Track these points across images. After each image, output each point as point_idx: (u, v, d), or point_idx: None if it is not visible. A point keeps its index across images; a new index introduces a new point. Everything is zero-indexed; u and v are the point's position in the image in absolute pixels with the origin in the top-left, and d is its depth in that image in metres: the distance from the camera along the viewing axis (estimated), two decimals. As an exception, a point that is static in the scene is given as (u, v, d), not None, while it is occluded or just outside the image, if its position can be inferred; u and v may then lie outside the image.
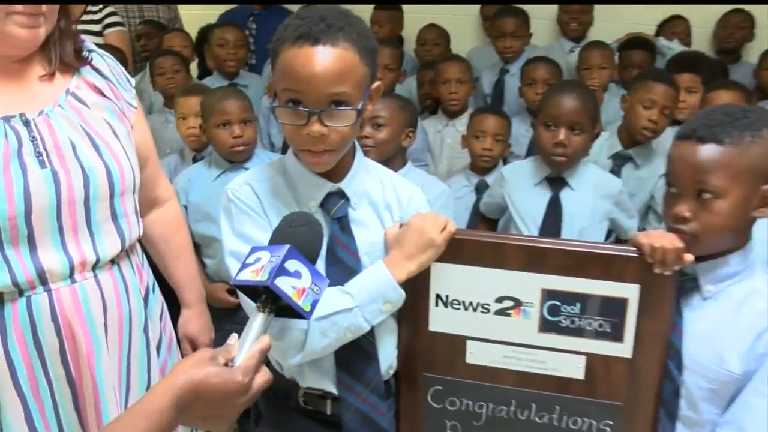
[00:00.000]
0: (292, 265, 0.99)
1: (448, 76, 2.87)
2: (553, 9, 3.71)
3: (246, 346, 0.95)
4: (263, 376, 0.95)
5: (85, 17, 3.32)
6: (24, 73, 1.23)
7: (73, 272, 1.22)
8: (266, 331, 0.98)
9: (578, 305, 1.23)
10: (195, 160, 2.49)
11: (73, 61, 1.27)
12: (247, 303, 1.07)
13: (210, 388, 0.90)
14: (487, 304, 1.27)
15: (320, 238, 1.09)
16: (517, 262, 1.24)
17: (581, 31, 3.58)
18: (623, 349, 1.23)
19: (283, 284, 0.97)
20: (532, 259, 1.24)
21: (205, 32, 3.54)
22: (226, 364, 0.93)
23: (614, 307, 1.21)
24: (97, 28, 3.36)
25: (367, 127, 2.03)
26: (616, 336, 1.22)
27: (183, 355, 1.57)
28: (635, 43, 3.15)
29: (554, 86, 2.24)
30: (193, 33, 3.76)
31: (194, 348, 1.59)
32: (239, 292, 1.07)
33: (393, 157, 2.11)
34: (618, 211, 2.10)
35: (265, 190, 1.23)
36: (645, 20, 3.50)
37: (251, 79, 3.37)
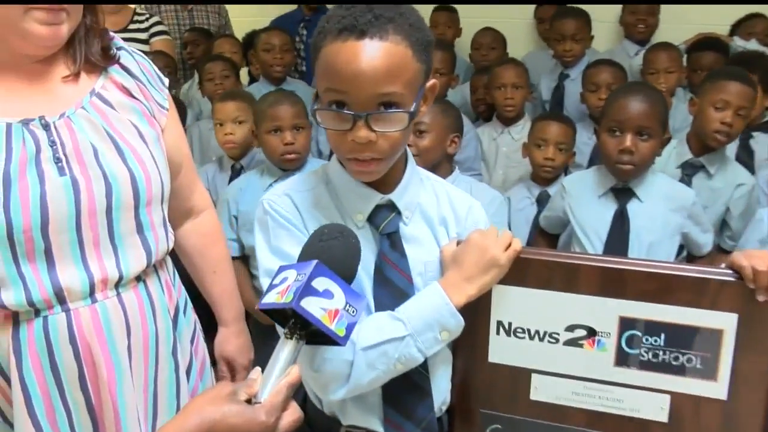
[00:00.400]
0: (322, 283, 0.88)
1: (504, 80, 2.74)
2: (614, 11, 3.52)
3: (272, 379, 0.85)
4: (292, 415, 0.84)
5: (131, 26, 3.34)
6: (46, 74, 1.14)
7: (94, 290, 1.13)
8: (295, 361, 0.87)
9: (663, 336, 1.07)
10: (234, 168, 2.42)
11: (100, 60, 1.18)
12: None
13: (228, 429, 0.78)
14: (556, 333, 1.13)
15: (356, 253, 0.97)
16: (591, 286, 1.10)
17: (647, 34, 3.37)
18: (717, 390, 1.06)
19: (311, 306, 0.86)
20: (609, 283, 1.09)
21: (251, 37, 3.49)
22: (249, 401, 0.82)
23: (706, 340, 1.05)
24: (143, 36, 3.38)
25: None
26: (709, 373, 1.06)
27: (218, 378, 1.47)
28: (706, 44, 2.94)
29: (619, 88, 2.08)
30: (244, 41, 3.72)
31: (231, 370, 1.49)
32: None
33: (438, 165, 2.00)
34: (691, 225, 1.94)
35: (306, 202, 1.11)
36: (716, 22, 3.28)
37: (298, 84, 3.29)
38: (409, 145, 1.85)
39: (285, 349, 0.88)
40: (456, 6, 3.76)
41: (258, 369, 0.88)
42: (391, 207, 1.11)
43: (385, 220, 1.10)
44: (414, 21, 1.01)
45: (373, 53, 0.96)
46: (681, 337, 1.06)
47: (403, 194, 1.12)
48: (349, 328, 0.90)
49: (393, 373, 1.05)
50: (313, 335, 0.89)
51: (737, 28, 3.26)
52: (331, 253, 0.92)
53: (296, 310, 0.85)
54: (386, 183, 1.10)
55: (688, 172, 2.17)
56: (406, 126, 1.00)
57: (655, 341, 1.08)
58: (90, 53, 1.17)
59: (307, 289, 0.86)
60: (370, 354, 1.03)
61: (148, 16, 3.45)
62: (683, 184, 2.10)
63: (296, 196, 1.11)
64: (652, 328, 1.07)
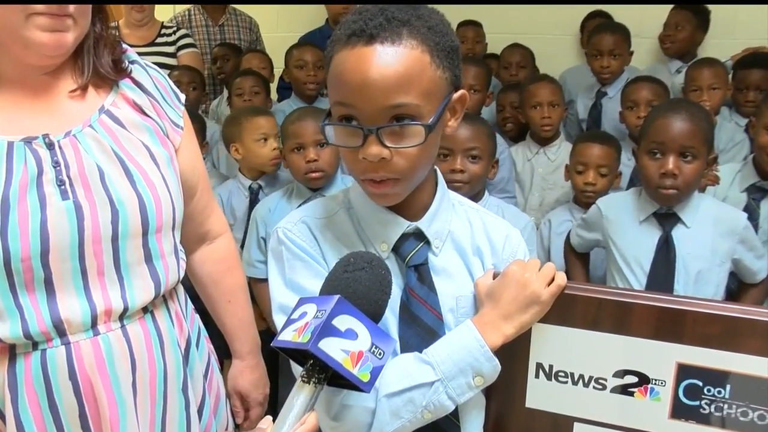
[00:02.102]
0: (344, 321, 0.79)
1: (540, 99, 2.63)
2: (657, 27, 3.38)
3: (285, 428, 0.76)
4: None
5: (159, 40, 3.33)
6: (53, 88, 1.07)
7: (96, 322, 1.05)
8: (313, 408, 0.78)
9: (728, 388, 0.94)
10: (251, 188, 2.33)
11: (110, 73, 1.10)
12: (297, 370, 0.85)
13: None
14: (603, 379, 1.00)
15: (386, 286, 0.85)
16: (645, 327, 0.97)
17: (677, 49, 3.28)
18: (791, 451, 0.93)
19: (331, 347, 0.77)
20: (665, 324, 0.96)
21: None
22: None
23: (780, 394, 0.92)
24: (171, 50, 3.37)
25: (459, 158, 1.82)
26: (782, 432, 0.93)
27: (232, 414, 1.37)
28: (754, 59, 2.79)
29: (659, 106, 1.95)
30: (273, 57, 3.68)
31: (245, 405, 1.39)
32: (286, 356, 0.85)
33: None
34: (744, 251, 1.81)
35: (325, 230, 1.01)
36: (765, 36, 3.13)
37: None
38: (461, 172, 1.81)
39: (301, 394, 0.78)
40: (489, 16, 3.69)
41: (269, 418, 0.79)
42: (419, 236, 1.01)
43: (412, 251, 1.00)
44: (434, 24, 0.91)
45: (383, 60, 0.86)
46: (751, 389, 0.93)
47: (432, 221, 1.01)
48: (375, 373, 0.80)
49: (420, 423, 0.94)
50: (335, 377, 0.80)
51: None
52: (356, 286, 0.82)
53: (313, 353, 0.75)
54: (413, 209, 1.00)
55: (755, 197, 2.04)
56: (424, 140, 0.89)
57: (719, 393, 0.95)
58: (100, 65, 1.09)
59: (326, 329, 0.77)
60: (394, 401, 0.92)
61: (175, 29, 3.44)
62: (750, 209, 1.98)
63: (314, 224, 1.01)
64: (716, 377, 0.95)
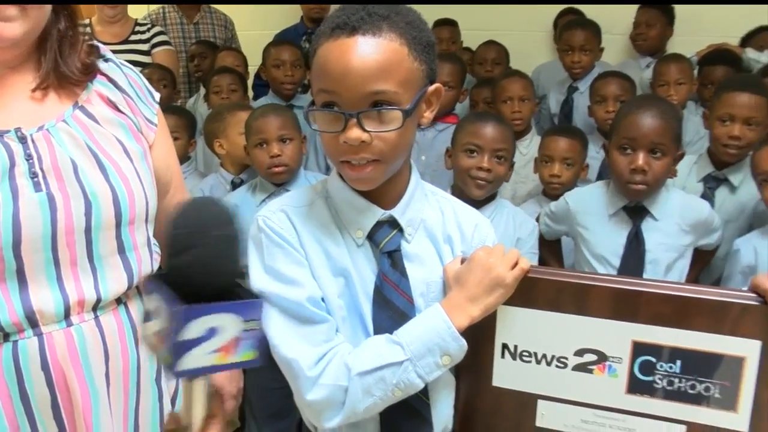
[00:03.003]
0: (198, 326, 0.69)
1: (510, 93, 2.68)
2: (627, 23, 3.47)
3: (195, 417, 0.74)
4: None
5: (133, 37, 3.31)
6: (24, 83, 1.07)
7: (69, 313, 1.05)
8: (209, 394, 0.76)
9: (679, 363, 1.00)
10: (233, 182, 2.36)
11: (74, 73, 1.09)
12: None
13: None
14: (565, 358, 1.06)
15: (227, 248, 0.75)
16: (603, 308, 1.03)
17: (650, 46, 3.36)
18: (737, 421, 0.99)
19: (195, 360, 0.69)
20: (621, 305, 1.02)
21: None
22: None
23: (726, 368, 0.98)
24: (145, 47, 3.34)
25: (486, 157, 1.86)
26: (728, 404, 0.99)
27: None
28: (718, 55, 2.88)
29: (629, 103, 1.99)
30: (249, 54, 3.70)
31: (220, 398, 1.41)
32: None
33: None
34: (705, 238, 1.87)
35: (303, 218, 1.05)
36: (731, 32, 3.22)
37: (308, 98, 3.23)
38: (488, 171, 1.86)
39: (197, 388, 0.74)
40: (465, 14, 3.74)
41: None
42: (393, 223, 1.06)
43: (386, 238, 1.05)
44: (412, 20, 0.97)
45: (364, 50, 0.92)
46: (699, 364, 0.99)
47: (405, 210, 1.06)
48: (259, 343, 0.75)
49: (391, 400, 0.99)
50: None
51: (748, 41, 3.20)
52: (190, 278, 0.71)
53: (179, 377, 0.70)
54: (388, 197, 1.05)
55: (711, 185, 2.11)
56: (401, 125, 0.95)
57: (671, 368, 1.01)
58: (64, 64, 1.08)
59: (180, 347, 0.68)
60: (366, 380, 0.97)
61: (149, 26, 3.42)
62: (706, 198, 2.03)
63: (293, 212, 1.05)
64: (668, 354, 1.01)
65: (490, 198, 1.95)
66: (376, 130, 0.94)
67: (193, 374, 0.69)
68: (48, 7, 1.05)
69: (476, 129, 1.91)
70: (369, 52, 0.92)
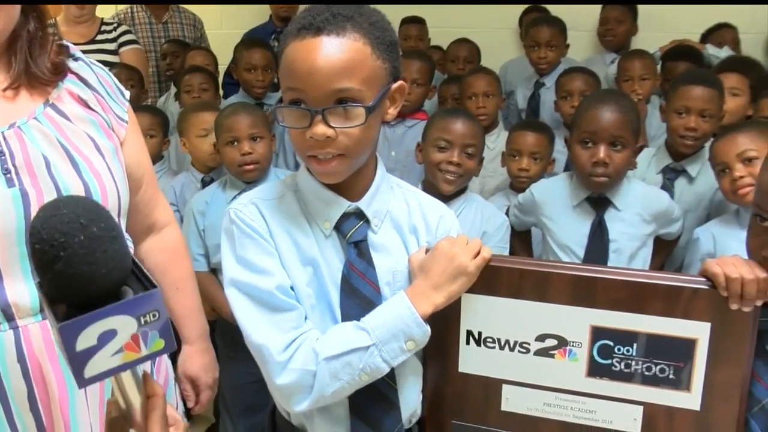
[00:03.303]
0: (90, 335, 0.63)
1: (475, 89, 2.71)
2: (593, 20, 3.54)
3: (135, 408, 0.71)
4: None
5: (99, 37, 3.27)
6: None
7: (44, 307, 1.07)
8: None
9: (635, 346, 1.05)
10: (203, 181, 2.37)
11: (44, 74, 1.10)
12: None
13: None
14: (527, 343, 1.10)
15: (98, 242, 0.62)
16: (562, 295, 1.07)
17: (617, 42, 3.43)
18: (690, 400, 1.04)
19: (100, 366, 0.64)
20: (580, 291, 1.06)
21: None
22: None
23: (679, 350, 1.03)
24: (112, 47, 3.31)
25: (456, 152, 1.89)
26: (682, 384, 1.04)
27: (183, 397, 1.42)
28: (680, 51, 2.95)
29: (589, 98, 2.01)
30: (218, 53, 3.69)
31: (195, 388, 1.43)
32: None
33: None
34: (666, 228, 1.92)
35: (273, 210, 1.08)
36: (692, 29, 3.30)
37: (278, 97, 3.23)
38: (457, 165, 1.89)
39: (125, 381, 0.69)
40: (434, 13, 3.77)
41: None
42: (359, 215, 1.08)
43: (352, 228, 1.07)
44: (375, 20, 1.00)
45: (328, 49, 0.96)
46: (654, 346, 1.04)
47: (371, 201, 1.09)
48: (164, 331, 0.68)
49: (358, 384, 1.02)
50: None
51: (707, 37, 3.28)
52: (63, 289, 0.63)
53: (87, 386, 0.66)
54: (354, 190, 1.08)
55: (670, 177, 2.16)
56: (364, 122, 0.98)
57: (628, 351, 1.05)
58: (34, 64, 1.09)
59: (76, 360, 0.63)
60: (333, 364, 1.00)
61: (116, 25, 3.38)
62: (665, 189, 2.08)
63: (263, 205, 1.08)
64: (625, 337, 1.05)
65: (460, 192, 1.99)
66: (341, 126, 0.97)
67: (103, 377, 0.65)
68: (17, 9, 1.06)
69: (446, 124, 1.94)
70: (333, 51, 0.95)
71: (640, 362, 1.05)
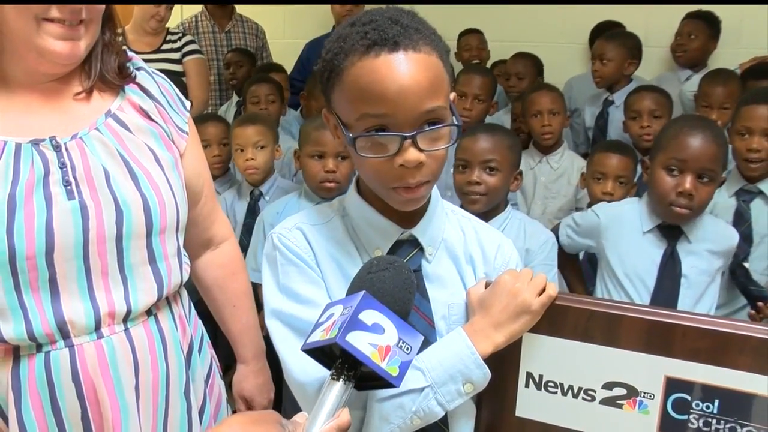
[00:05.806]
0: (370, 316, 0.78)
1: (539, 107, 2.64)
2: (669, 36, 3.37)
3: (318, 423, 0.75)
4: None
5: (165, 46, 3.32)
6: (61, 92, 1.09)
7: (100, 325, 1.05)
8: (345, 405, 0.78)
9: (717, 403, 0.94)
10: (252, 195, 2.35)
11: (115, 79, 1.11)
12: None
13: None
14: (592, 390, 1.00)
15: (410, 286, 0.85)
16: (635, 340, 0.97)
17: (688, 59, 3.25)
18: (779, 468, 0.93)
19: (358, 341, 0.76)
20: (655, 338, 0.96)
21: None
22: None
23: (769, 410, 0.92)
24: (176, 56, 3.35)
25: (476, 171, 1.81)
26: (771, 449, 0.93)
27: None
28: (762, 69, 2.77)
29: (680, 122, 1.87)
30: (280, 63, 3.72)
31: (250, 410, 1.40)
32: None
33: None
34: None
35: (320, 236, 1.01)
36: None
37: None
38: (477, 184, 1.81)
39: (331, 391, 0.78)
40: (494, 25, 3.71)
41: (304, 414, 0.79)
42: (414, 243, 1.01)
43: (406, 257, 1.00)
44: (433, 29, 0.93)
45: (413, 66, 0.87)
46: (739, 405, 0.93)
47: (426, 229, 1.02)
48: (403, 368, 0.78)
49: (409, 429, 0.95)
50: (363, 379, 0.79)
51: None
52: (380, 285, 0.83)
53: (341, 346, 0.75)
54: (408, 216, 1.01)
55: (745, 199, 2.05)
56: (454, 141, 0.93)
57: (708, 407, 0.95)
58: (106, 71, 1.11)
59: (353, 323, 0.76)
60: (384, 406, 0.93)
61: (181, 35, 3.44)
62: (740, 212, 1.99)
63: (309, 230, 1.02)
64: (705, 392, 0.94)
65: (497, 208, 1.90)
66: (429, 148, 0.90)
67: (351, 352, 0.75)
68: (100, 20, 1.07)
69: (464, 143, 1.88)
70: (417, 69, 0.87)
71: (722, 421, 0.94)
